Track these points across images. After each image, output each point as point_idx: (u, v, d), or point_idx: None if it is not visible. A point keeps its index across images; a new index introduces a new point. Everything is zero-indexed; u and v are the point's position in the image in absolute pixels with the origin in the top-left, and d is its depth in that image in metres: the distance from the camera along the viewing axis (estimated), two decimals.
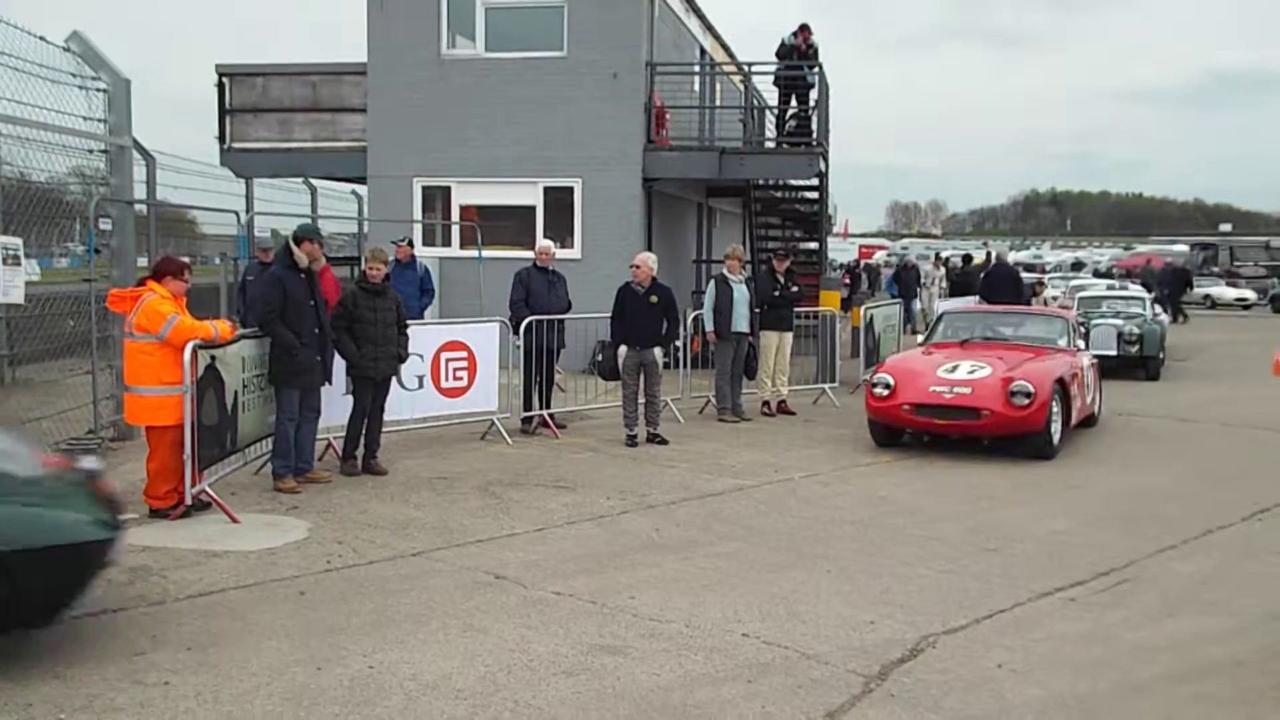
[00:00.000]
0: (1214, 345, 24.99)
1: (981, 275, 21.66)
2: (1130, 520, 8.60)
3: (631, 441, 11.46)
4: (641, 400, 11.66)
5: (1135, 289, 24.38)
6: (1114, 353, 17.89)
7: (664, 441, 11.53)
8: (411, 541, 7.61)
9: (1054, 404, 10.85)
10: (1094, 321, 18.38)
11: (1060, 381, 11.10)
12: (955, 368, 11.31)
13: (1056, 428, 11.00)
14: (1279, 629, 6.16)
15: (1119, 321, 18.39)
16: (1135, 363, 18.00)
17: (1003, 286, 19.45)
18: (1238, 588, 6.90)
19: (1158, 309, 20.98)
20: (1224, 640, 5.96)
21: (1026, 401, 10.57)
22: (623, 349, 11.71)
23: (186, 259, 8.92)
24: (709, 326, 13.17)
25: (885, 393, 11.22)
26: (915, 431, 11.45)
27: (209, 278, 16.59)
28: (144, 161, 12.05)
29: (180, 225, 19.38)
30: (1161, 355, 18.45)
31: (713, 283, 13.41)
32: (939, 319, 13.80)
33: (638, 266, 11.73)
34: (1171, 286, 33.71)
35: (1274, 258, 51.34)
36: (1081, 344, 12.69)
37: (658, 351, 11.65)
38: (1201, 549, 7.81)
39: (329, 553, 7.30)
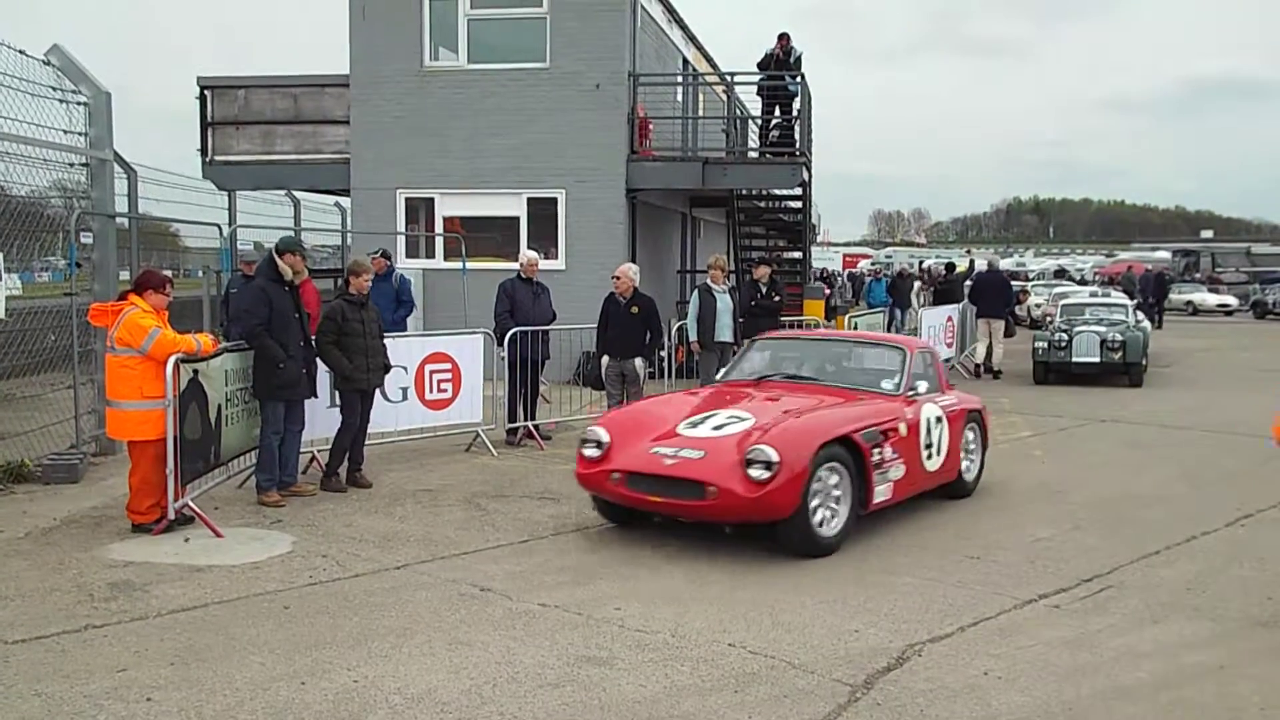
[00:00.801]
0: (1197, 351, 25.14)
1: (967, 282, 21.90)
2: (1114, 526, 8.63)
3: None
4: None
5: (1118, 296, 24.52)
6: (1097, 360, 17.97)
7: None
8: (396, 554, 7.59)
9: (825, 477, 7.60)
10: (1077, 329, 18.45)
11: (846, 443, 7.79)
12: (706, 419, 8.09)
13: (831, 512, 7.68)
14: (1263, 634, 6.19)
15: (1102, 329, 18.44)
16: (1119, 369, 18.06)
17: (990, 293, 19.75)
18: (1221, 593, 6.93)
19: (1140, 315, 21.07)
20: (1208, 646, 5.99)
21: (766, 475, 7.23)
22: (605, 359, 11.71)
23: (169, 272, 8.90)
24: (692, 336, 13.18)
25: (596, 454, 8.03)
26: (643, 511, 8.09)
27: (192, 291, 16.54)
28: (125, 174, 12.00)
29: (163, 238, 19.31)
30: (1144, 362, 18.54)
31: (696, 293, 13.43)
32: (748, 345, 10.37)
33: (618, 277, 11.75)
34: (1152, 292, 34.11)
35: (1255, 264, 51.71)
36: (924, 385, 9.00)
37: (639, 362, 11.64)
38: (1185, 554, 7.84)
39: (313, 566, 7.27)
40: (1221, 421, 14.19)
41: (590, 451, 8.10)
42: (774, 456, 7.29)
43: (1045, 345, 18.48)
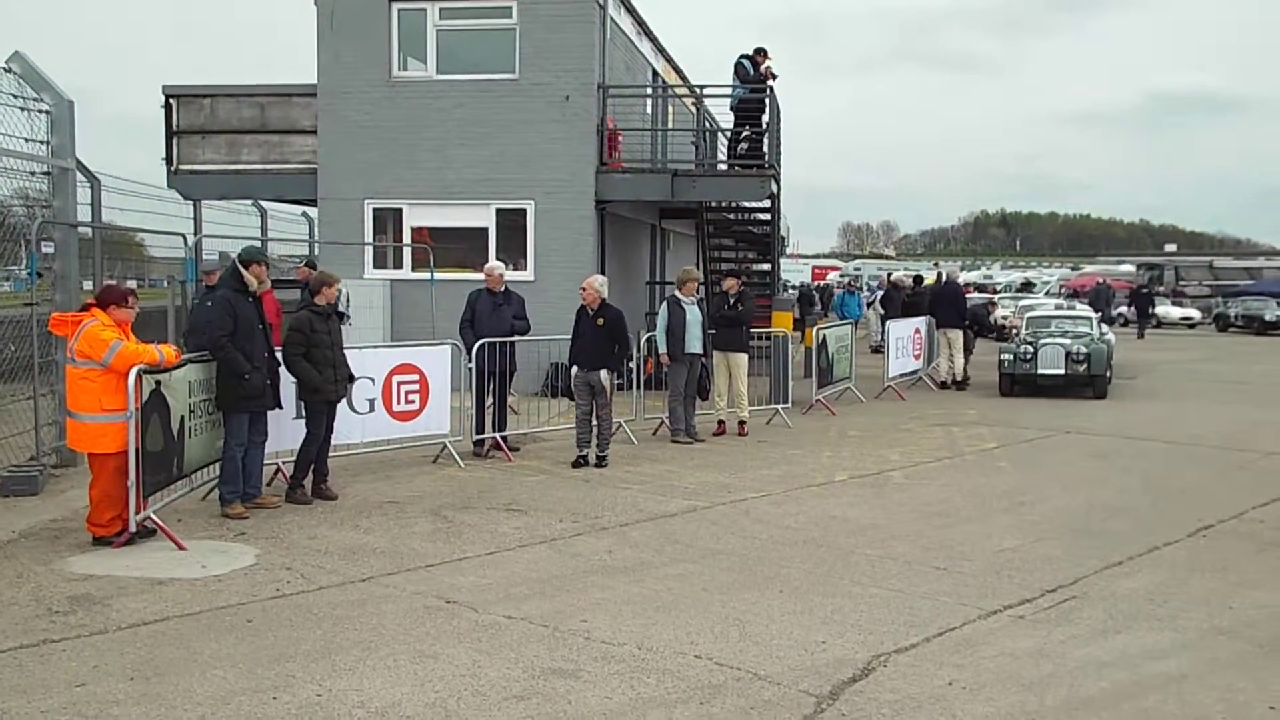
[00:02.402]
0: (1160, 364, 25.39)
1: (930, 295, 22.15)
2: (1078, 537, 8.69)
3: (579, 462, 11.42)
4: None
5: (1083, 308, 24.72)
6: (1062, 372, 18.02)
7: (601, 465, 11.48)
8: (361, 567, 7.53)
9: None
10: (1042, 341, 18.49)
11: None
12: None
13: None
14: (1223, 643, 6.25)
15: (1066, 341, 18.47)
16: (1083, 381, 18.12)
17: (945, 304, 20.07)
18: (1183, 603, 6.99)
19: (1104, 328, 21.14)
20: (1169, 655, 6.04)
21: None
22: (574, 369, 11.71)
23: (132, 283, 8.82)
24: (661, 348, 13.18)
25: None
26: None
27: (157, 301, 16.38)
28: (88, 183, 11.89)
29: (127, 248, 19.13)
30: (1109, 374, 18.62)
31: (665, 304, 13.43)
32: None
33: (585, 289, 11.76)
34: (1138, 306, 37.69)
35: (1218, 277, 52.36)
36: None
37: (604, 373, 11.62)
38: (1148, 565, 7.91)
39: (277, 579, 7.20)
40: (1184, 433, 14.33)
41: None
42: None
43: (1010, 357, 18.48)
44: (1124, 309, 44.28)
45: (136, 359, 7.74)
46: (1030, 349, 18.36)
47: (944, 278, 22.03)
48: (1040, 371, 18.16)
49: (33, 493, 9.49)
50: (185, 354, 8.84)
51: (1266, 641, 6.26)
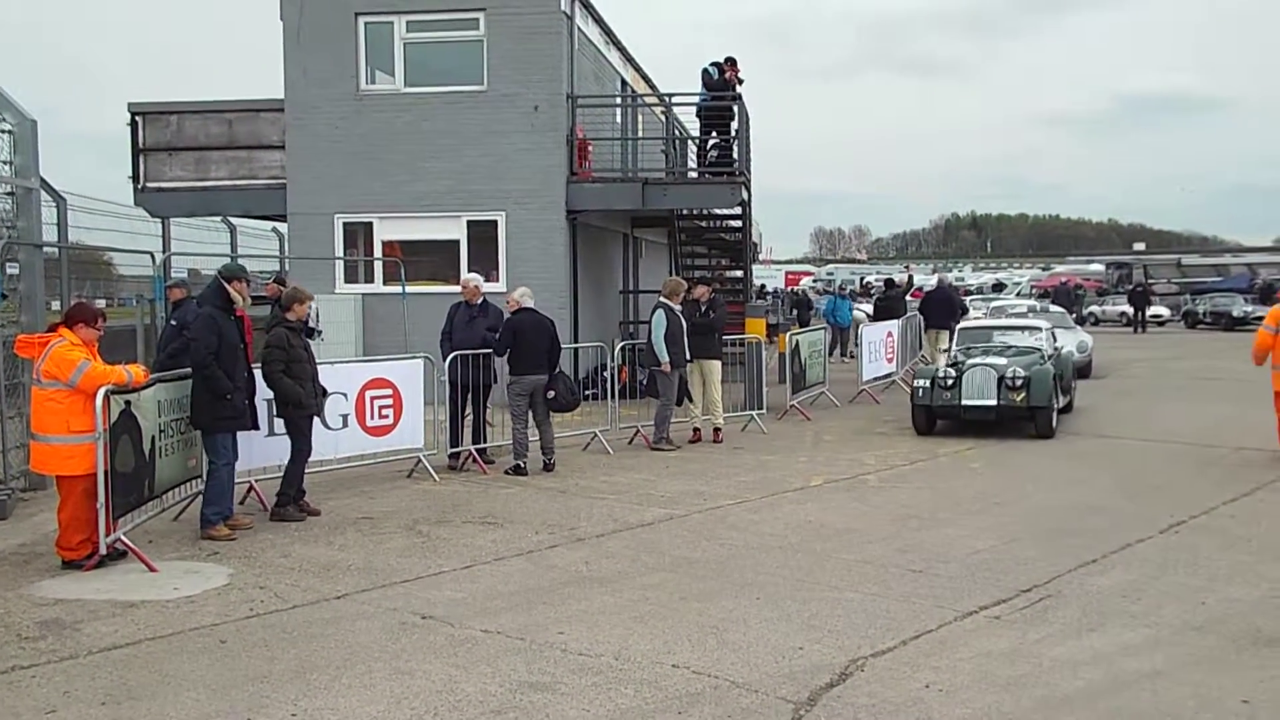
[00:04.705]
0: (1132, 362, 25.59)
1: (908, 297, 22.76)
2: (1053, 536, 8.74)
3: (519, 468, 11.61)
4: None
5: (1054, 311, 24.74)
6: (993, 403, 13.78)
7: (519, 473, 11.55)
8: (336, 584, 7.48)
9: None
10: (970, 362, 14.33)
11: None
12: None
13: None
14: (1197, 639, 6.29)
15: (1001, 361, 14.20)
16: (1021, 415, 13.78)
17: (938, 307, 20.66)
18: (1157, 600, 7.03)
19: (1063, 341, 17.61)
20: (1144, 652, 6.07)
21: None
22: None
23: (102, 302, 8.74)
24: (663, 357, 13.08)
25: None
26: None
27: (127, 320, 16.24)
28: (54, 203, 11.80)
29: (96, 267, 18.97)
30: (1055, 403, 14.10)
31: (660, 312, 13.24)
32: None
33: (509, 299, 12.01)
34: (1138, 304, 39.91)
35: (1186, 275, 52.91)
36: None
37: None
38: (1122, 562, 7.96)
39: (251, 599, 7.14)
40: (1156, 430, 14.44)
41: None
42: None
43: (926, 383, 14.17)
44: (1095, 308, 44.83)
45: (104, 379, 7.67)
46: (953, 373, 14.11)
47: (919, 280, 22.62)
48: (965, 403, 13.92)
49: (1, 517, 9.38)
50: (153, 373, 8.74)
51: (1239, 636, 6.31)
